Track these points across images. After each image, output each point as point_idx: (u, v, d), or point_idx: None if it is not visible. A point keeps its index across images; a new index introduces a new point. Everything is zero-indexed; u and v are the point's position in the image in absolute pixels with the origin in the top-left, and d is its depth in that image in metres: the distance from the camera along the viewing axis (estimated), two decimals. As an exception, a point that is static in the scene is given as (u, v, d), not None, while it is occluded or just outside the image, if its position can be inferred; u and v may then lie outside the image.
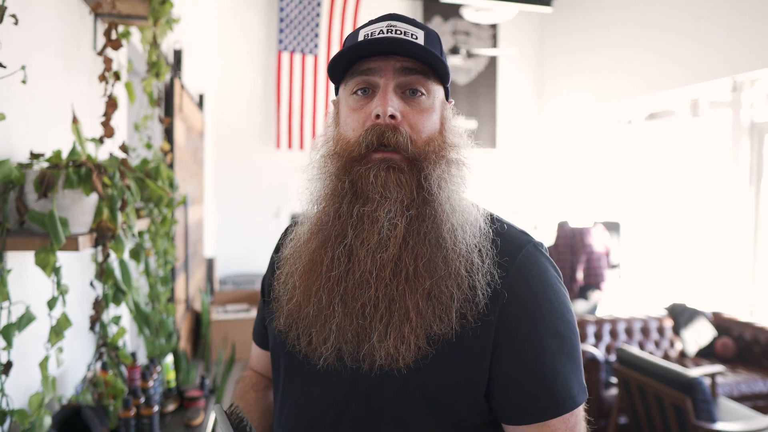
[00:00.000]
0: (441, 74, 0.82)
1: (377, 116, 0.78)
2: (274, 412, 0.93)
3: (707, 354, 4.21)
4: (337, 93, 0.90)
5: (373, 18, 0.85)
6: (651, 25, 5.31)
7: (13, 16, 1.14)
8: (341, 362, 0.79)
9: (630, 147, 6.19)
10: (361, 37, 0.82)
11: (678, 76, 4.98)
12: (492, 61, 7.20)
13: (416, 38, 0.80)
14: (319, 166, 0.83)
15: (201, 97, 4.84)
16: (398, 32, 0.80)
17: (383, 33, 0.80)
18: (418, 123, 0.80)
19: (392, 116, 0.77)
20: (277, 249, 0.97)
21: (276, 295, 0.88)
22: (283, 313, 0.85)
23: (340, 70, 0.84)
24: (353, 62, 0.82)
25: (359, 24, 6.54)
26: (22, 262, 1.32)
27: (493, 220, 0.85)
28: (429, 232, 0.76)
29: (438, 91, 0.83)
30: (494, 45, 7.18)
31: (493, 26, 7.14)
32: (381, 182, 0.76)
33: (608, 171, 6.41)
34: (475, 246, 0.79)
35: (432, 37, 0.84)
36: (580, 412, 0.77)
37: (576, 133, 6.84)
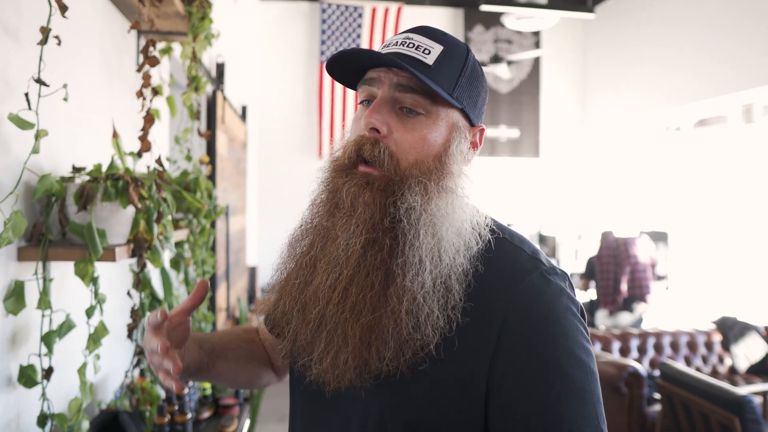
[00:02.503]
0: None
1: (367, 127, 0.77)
2: None
3: (759, 371, 4.03)
4: None
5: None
6: (701, 27, 5.16)
7: (56, 37, 1.19)
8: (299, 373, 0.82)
9: (679, 155, 6.02)
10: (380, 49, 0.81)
11: (730, 80, 4.81)
12: (535, 69, 7.12)
13: (428, 53, 0.76)
14: (322, 172, 0.84)
15: (244, 109, 4.94)
16: (411, 45, 0.76)
17: (396, 45, 0.77)
18: (405, 142, 0.76)
19: (376, 129, 0.75)
20: None
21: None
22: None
23: (352, 78, 0.83)
24: (363, 70, 0.81)
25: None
26: (64, 272, 1.38)
27: (496, 238, 0.79)
28: (384, 262, 0.73)
29: (446, 114, 0.78)
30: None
31: (536, 34, 7.06)
32: (351, 198, 0.74)
33: (656, 180, 6.24)
34: (444, 283, 0.73)
35: (450, 54, 0.77)
36: None
37: (622, 141, 6.69)
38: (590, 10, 4.99)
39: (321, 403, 0.80)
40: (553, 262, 0.81)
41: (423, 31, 0.79)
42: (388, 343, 0.70)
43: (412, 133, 0.76)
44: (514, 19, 4.95)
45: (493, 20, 6.86)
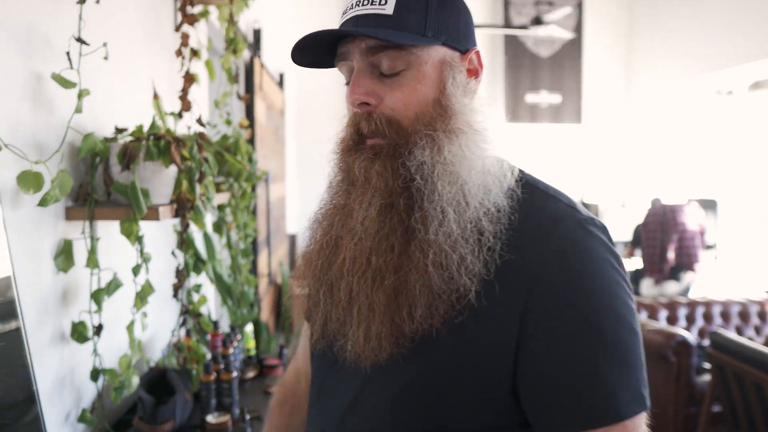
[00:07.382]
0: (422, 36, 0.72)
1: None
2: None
3: (815, 341, 3.88)
4: None
5: None
6: (757, -17, 4.87)
7: (96, -6, 1.19)
8: (331, 353, 0.79)
9: (730, 120, 5.76)
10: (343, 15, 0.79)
11: (787, 38, 4.55)
12: (577, 32, 6.87)
13: (384, 2, 0.72)
14: (333, 155, 0.83)
15: (281, 77, 4.93)
16: (366, 1, 0.73)
17: (353, 8, 0.75)
18: (398, 102, 0.73)
19: (365, 102, 0.74)
20: None
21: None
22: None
23: (327, 58, 0.81)
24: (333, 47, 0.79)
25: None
26: (110, 231, 1.40)
27: (528, 187, 0.76)
28: (401, 221, 0.71)
29: (428, 55, 0.74)
30: (579, 14, 6.85)
31: (579, -6, 6.80)
32: (363, 172, 0.74)
33: (705, 146, 6.00)
34: (475, 226, 0.70)
35: None
36: (632, 426, 0.64)
37: (669, 106, 6.44)
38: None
39: (351, 377, 0.77)
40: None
41: None
42: (418, 300, 0.68)
43: (402, 90, 0.73)
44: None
45: (535, -19, 6.63)
